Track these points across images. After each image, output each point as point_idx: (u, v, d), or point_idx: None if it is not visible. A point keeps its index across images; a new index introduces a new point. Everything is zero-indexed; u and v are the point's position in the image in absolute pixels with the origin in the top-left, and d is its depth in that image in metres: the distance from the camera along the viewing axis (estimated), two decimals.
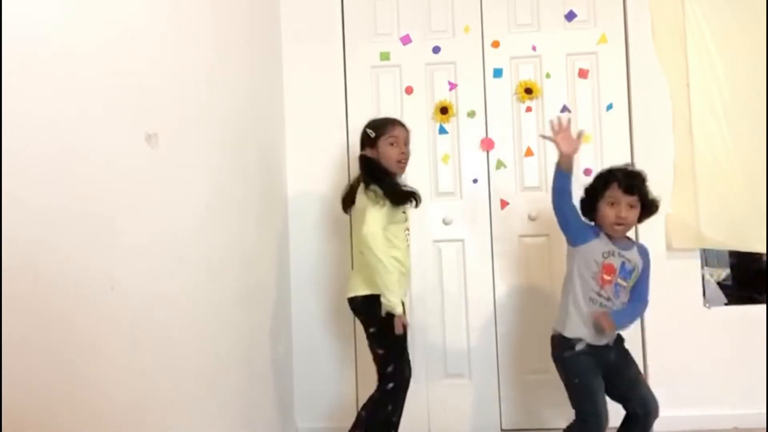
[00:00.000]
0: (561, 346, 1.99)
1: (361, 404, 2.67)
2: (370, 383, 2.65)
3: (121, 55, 1.33)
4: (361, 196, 2.10)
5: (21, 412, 0.99)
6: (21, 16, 1.01)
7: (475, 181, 2.69)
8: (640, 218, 1.96)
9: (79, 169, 1.17)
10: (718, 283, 2.77)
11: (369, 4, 2.76)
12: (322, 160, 2.74)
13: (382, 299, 2.01)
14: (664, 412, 2.57)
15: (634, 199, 1.90)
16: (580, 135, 1.99)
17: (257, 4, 2.47)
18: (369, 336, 2.14)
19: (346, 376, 2.71)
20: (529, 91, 2.68)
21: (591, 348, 1.94)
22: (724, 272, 2.84)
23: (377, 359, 2.12)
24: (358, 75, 2.75)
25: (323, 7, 2.77)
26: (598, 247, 1.93)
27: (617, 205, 1.89)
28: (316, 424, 2.69)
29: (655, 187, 2.55)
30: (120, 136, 1.32)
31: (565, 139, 1.95)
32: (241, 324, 2.08)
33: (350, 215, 2.36)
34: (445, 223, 2.68)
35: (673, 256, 2.57)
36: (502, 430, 2.65)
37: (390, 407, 2.09)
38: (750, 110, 2.56)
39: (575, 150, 1.96)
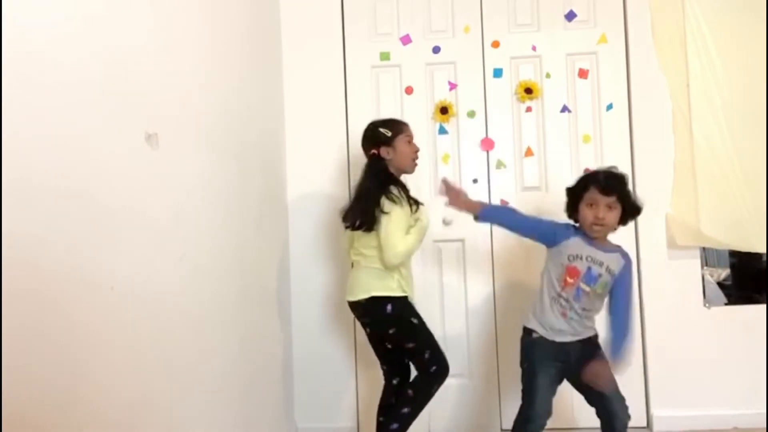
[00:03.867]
0: (524, 332, 2.06)
1: (361, 404, 2.69)
2: (370, 383, 2.66)
3: (121, 53, 1.33)
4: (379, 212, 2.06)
5: (21, 410, 0.99)
6: (21, 17, 1.01)
7: (475, 181, 2.69)
8: (623, 220, 1.94)
9: (80, 169, 1.17)
10: (718, 283, 2.77)
11: (369, 4, 2.76)
12: (322, 159, 2.74)
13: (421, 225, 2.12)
14: (663, 412, 2.58)
15: (612, 200, 1.88)
16: (460, 190, 2.10)
17: (257, 4, 2.47)
18: (390, 338, 2.15)
19: (346, 377, 2.71)
20: (529, 91, 2.68)
21: (549, 342, 1.97)
22: (724, 272, 2.84)
23: (410, 353, 2.14)
24: (358, 75, 2.75)
25: (323, 7, 2.77)
26: (567, 249, 1.93)
27: (595, 206, 1.89)
28: (316, 424, 2.69)
29: (655, 187, 2.58)
30: (120, 136, 1.32)
31: (455, 198, 2.07)
32: (242, 324, 2.08)
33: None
34: (445, 223, 2.68)
35: (673, 256, 2.57)
36: (502, 430, 2.65)
37: (434, 389, 2.11)
38: (750, 110, 2.57)
39: (464, 202, 2.07)
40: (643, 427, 2.56)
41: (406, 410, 2.08)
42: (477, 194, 2.69)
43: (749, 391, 2.52)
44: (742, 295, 2.75)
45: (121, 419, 1.28)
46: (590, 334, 1.98)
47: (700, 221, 2.55)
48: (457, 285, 2.69)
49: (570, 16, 2.69)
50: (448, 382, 2.62)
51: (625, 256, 1.98)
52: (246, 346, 2.13)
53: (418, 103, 2.72)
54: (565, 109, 2.68)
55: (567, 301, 1.92)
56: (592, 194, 1.90)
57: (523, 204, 2.66)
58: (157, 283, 1.46)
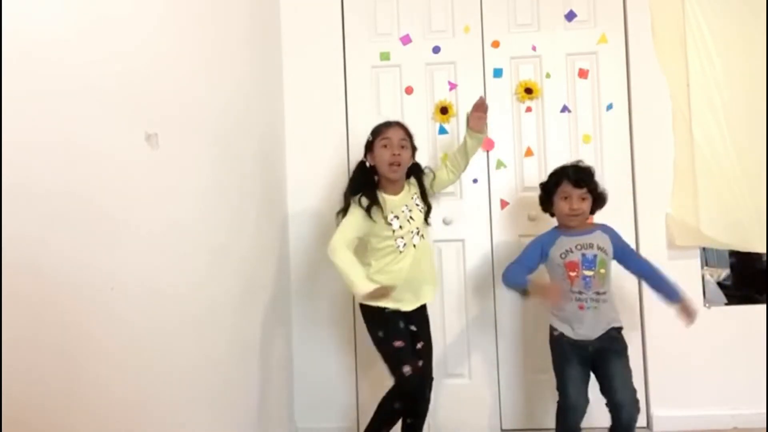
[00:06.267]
0: (549, 331, 2.18)
1: (361, 404, 2.69)
2: (369, 383, 2.66)
3: (120, 55, 1.33)
4: None
5: (21, 410, 0.99)
6: (22, 16, 1.01)
7: (475, 181, 2.69)
8: (592, 210, 2.13)
9: (80, 169, 1.17)
10: (718, 283, 2.76)
11: (369, 4, 2.76)
12: (322, 160, 2.74)
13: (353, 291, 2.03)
14: (663, 412, 2.58)
15: (584, 192, 2.09)
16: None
17: (257, 4, 2.47)
18: None
19: (346, 376, 2.71)
20: (529, 91, 2.68)
21: (568, 338, 2.08)
22: (724, 272, 2.84)
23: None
24: (358, 75, 2.75)
25: (323, 7, 2.77)
26: (557, 250, 2.10)
27: (570, 199, 2.08)
28: (316, 424, 2.70)
29: (655, 187, 2.59)
30: (120, 135, 1.32)
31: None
32: (241, 324, 2.08)
33: None
34: (445, 223, 2.68)
35: (673, 256, 2.56)
36: (502, 430, 2.65)
37: (396, 405, 2.08)
38: (750, 110, 2.57)
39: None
40: (643, 427, 2.56)
41: (370, 421, 2.13)
42: (477, 194, 2.69)
43: (749, 391, 2.52)
44: (742, 295, 2.75)
45: (120, 420, 1.28)
46: (609, 325, 2.06)
47: (700, 221, 2.55)
48: (457, 285, 2.69)
49: (570, 16, 2.69)
50: (449, 381, 2.65)
51: (606, 230, 2.14)
52: (246, 346, 2.13)
53: (418, 103, 2.72)
54: (565, 109, 2.68)
55: (580, 293, 2.05)
56: (565, 188, 2.10)
57: (523, 204, 2.67)
58: (157, 284, 1.46)
